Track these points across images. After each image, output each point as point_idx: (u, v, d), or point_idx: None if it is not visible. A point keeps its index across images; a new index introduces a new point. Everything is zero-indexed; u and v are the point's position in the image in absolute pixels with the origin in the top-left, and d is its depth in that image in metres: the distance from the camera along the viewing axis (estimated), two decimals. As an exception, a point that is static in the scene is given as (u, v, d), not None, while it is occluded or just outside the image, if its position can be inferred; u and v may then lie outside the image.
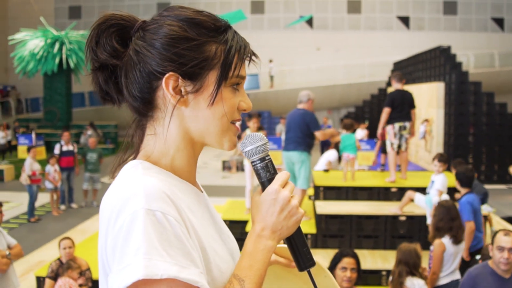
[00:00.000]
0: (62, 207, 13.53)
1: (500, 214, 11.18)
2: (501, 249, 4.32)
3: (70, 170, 13.68)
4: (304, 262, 1.39)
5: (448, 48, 19.27)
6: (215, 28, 1.33)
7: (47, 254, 8.77)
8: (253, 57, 1.39)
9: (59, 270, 6.13)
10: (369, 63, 32.48)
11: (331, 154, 12.68)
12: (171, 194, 1.21)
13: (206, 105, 1.31)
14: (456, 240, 5.71)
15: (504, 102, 18.21)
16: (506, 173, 17.47)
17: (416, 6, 35.03)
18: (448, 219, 5.73)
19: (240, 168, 19.54)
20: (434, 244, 5.76)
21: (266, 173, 1.37)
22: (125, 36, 1.37)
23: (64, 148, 13.81)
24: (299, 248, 1.38)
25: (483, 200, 8.60)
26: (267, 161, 1.37)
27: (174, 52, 1.28)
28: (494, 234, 4.51)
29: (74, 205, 13.77)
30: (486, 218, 8.58)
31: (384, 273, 7.53)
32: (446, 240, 5.72)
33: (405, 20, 35.15)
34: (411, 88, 15.11)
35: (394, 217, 8.28)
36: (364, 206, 8.63)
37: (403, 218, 8.25)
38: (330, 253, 6.36)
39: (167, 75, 1.28)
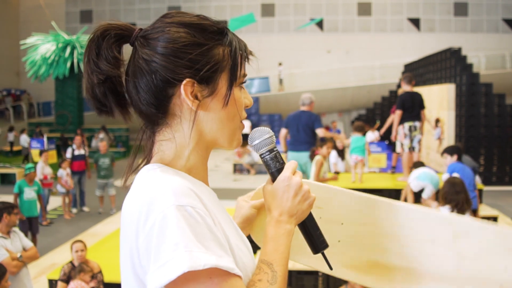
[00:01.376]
0: (74, 210, 13.59)
1: (510, 215, 11.14)
2: None
3: (82, 174, 13.75)
4: (318, 244, 1.47)
5: (459, 49, 19.21)
6: (219, 31, 1.37)
7: (60, 257, 8.81)
8: (250, 56, 1.44)
9: (71, 273, 6.17)
10: (379, 65, 32.41)
11: (332, 156, 12.63)
12: (195, 190, 1.26)
13: (220, 106, 1.35)
14: (458, 211, 5.78)
15: (515, 103, 18.12)
16: (518, 175, 17.40)
17: (427, 7, 34.92)
18: (453, 192, 5.88)
19: (257, 169, 19.69)
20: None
21: (276, 163, 1.44)
22: (121, 45, 1.40)
23: (76, 152, 13.89)
24: (312, 232, 1.47)
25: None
26: (275, 152, 1.45)
27: (188, 59, 1.31)
28: None
29: (85, 209, 13.83)
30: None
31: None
32: (445, 209, 5.81)
33: (415, 22, 35.05)
34: (421, 90, 15.05)
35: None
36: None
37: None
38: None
39: (184, 82, 1.31)
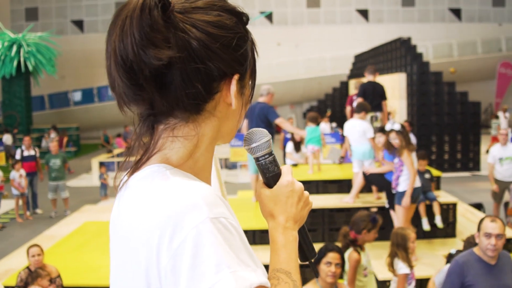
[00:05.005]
0: (27, 213, 13.25)
1: (466, 201, 11.34)
2: (488, 235, 4.34)
3: (33, 175, 13.38)
4: (309, 252, 1.43)
5: (408, 39, 19.47)
6: (246, 22, 1.25)
7: (15, 262, 8.56)
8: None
9: (28, 279, 5.98)
10: (330, 57, 32.68)
11: (288, 146, 12.59)
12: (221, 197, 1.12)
13: (241, 104, 1.26)
14: None
15: (465, 91, 18.45)
16: (469, 161, 17.76)
17: (374, -2, 35.37)
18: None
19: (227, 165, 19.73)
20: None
21: (274, 167, 1.36)
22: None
23: (25, 153, 13.53)
24: (305, 239, 1.41)
25: None
26: (273, 155, 1.37)
27: (240, 53, 1.19)
28: (480, 221, 4.53)
29: (39, 211, 13.51)
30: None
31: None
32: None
33: (364, 13, 35.42)
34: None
35: (366, 209, 8.30)
36: (335, 199, 8.64)
37: (374, 210, 8.28)
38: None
39: (235, 77, 1.18)
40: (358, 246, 5.51)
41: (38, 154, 13.87)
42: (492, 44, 33.74)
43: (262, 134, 1.34)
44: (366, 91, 9.71)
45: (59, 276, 6.20)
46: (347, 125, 8.76)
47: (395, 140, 7.56)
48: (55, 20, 34.58)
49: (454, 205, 8.37)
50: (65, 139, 23.37)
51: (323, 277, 4.54)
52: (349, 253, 5.45)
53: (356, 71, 25.48)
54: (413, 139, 11.11)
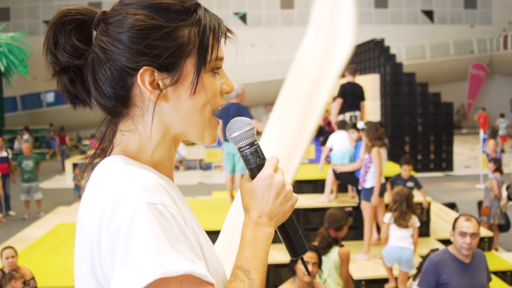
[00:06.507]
0: (0, 215, 13.09)
1: (439, 200, 11.47)
2: (463, 234, 4.39)
3: (5, 177, 13.20)
4: (298, 248, 1.36)
5: (382, 40, 19.65)
6: (184, 10, 1.21)
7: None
8: (228, 34, 1.29)
9: (2, 281, 5.92)
10: (304, 58, 32.76)
11: None
12: (165, 185, 1.13)
13: (187, 95, 1.21)
14: None
15: (437, 92, 18.66)
16: (442, 161, 17.94)
17: (348, 0, 35.55)
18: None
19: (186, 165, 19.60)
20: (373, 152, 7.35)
21: (256, 159, 1.31)
22: (85, 32, 1.25)
23: (-3, 155, 13.37)
24: (291, 235, 1.35)
25: None
26: (255, 146, 1.32)
27: (145, 45, 1.16)
28: (455, 220, 4.58)
29: (12, 213, 13.35)
30: None
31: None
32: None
33: (337, 15, 35.61)
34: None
35: (341, 208, 8.34)
36: (310, 199, 8.66)
37: (349, 209, 8.31)
38: (279, 247, 6.35)
39: (141, 70, 1.16)
40: (339, 242, 5.59)
41: (10, 156, 13.69)
42: (464, 46, 34.17)
43: (244, 123, 1.31)
44: (346, 92, 9.84)
45: (33, 278, 6.12)
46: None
47: (353, 134, 7.77)
48: (27, 21, 34.24)
49: (429, 204, 8.45)
50: (66, 137, 23.13)
51: (300, 277, 4.56)
52: (338, 251, 5.52)
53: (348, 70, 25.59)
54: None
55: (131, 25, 1.17)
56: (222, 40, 1.29)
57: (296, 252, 1.36)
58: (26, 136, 22.96)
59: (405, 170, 8.22)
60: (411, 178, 8.36)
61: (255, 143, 1.32)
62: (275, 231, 1.32)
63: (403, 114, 17.91)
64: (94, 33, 1.23)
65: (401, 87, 18.03)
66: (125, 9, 1.19)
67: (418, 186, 8.31)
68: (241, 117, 1.32)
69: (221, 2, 34.76)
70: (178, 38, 1.19)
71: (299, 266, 4.59)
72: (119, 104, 1.22)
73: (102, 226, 1.05)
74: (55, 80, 1.26)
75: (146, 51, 1.16)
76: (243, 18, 34.67)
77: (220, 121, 9.26)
